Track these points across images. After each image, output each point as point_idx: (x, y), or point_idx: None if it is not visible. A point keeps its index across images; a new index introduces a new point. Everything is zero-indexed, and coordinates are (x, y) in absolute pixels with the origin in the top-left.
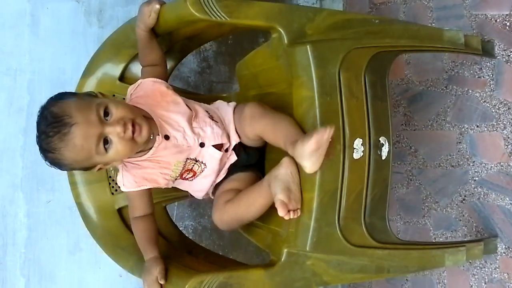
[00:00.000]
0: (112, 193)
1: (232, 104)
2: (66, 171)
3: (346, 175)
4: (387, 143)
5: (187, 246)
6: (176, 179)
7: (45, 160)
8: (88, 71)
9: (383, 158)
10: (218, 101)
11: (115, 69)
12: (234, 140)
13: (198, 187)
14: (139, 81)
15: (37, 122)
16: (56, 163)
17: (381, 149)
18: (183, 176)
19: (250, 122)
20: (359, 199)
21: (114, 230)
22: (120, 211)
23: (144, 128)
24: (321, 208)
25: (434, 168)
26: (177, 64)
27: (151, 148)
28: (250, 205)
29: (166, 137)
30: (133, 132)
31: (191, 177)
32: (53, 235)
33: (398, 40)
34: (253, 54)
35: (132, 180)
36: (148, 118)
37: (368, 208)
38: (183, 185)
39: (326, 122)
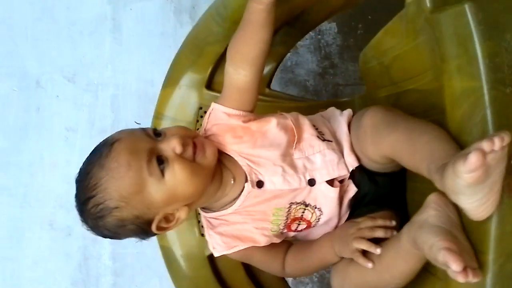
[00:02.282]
0: (202, 234)
1: (347, 112)
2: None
3: None
4: None
5: None
6: (281, 233)
7: (84, 217)
8: (169, 81)
9: None
10: (330, 108)
11: (200, 74)
12: (350, 164)
13: (320, 234)
14: (211, 107)
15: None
16: (98, 214)
17: None
18: (292, 228)
19: (372, 137)
20: None
21: (203, 285)
22: (211, 258)
23: (209, 147)
24: (501, 280)
25: None
26: (279, 64)
27: (236, 198)
28: (384, 271)
29: (259, 184)
30: (194, 153)
31: (305, 228)
32: (143, 281)
33: None
34: (381, 36)
35: (220, 241)
36: (229, 161)
37: None
38: (298, 236)
39: (506, 129)
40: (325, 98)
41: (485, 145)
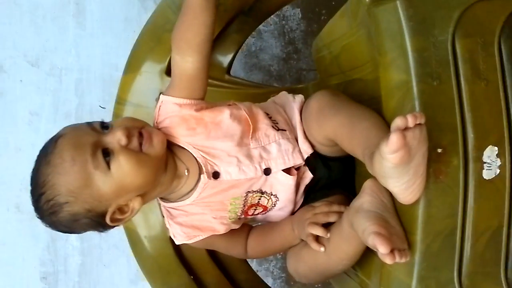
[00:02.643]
0: (163, 216)
1: (299, 98)
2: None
3: (471, 205)
4: None
5: None
6: (239, 219)
7: (39, 214)
8: (130, 67)
9: None
10: (282, 92)
11: (160, 61)
12: (305, 151)
13: (274, 219)
14: (160, 99)
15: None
16: (50, 210)
17: None
18: (249, 213)
19: (317, 118)
20: (495, 242)
21: (166, 264)
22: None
23: (156, 136)
24: (428, 259)
25: None
26: (237, 51)
27: (192, 189)
28: (332, 253)
29: (215, 175)
30: (140, 144)
31: (262, 212)
32: (111, 261)
33: None
34: (329, 26)
35: (180, 231)
36: (182, 152)
37: (511, 256)
38: (256, 219)
39: (432, 120)
40: (288, 83)
41: (399, 121)
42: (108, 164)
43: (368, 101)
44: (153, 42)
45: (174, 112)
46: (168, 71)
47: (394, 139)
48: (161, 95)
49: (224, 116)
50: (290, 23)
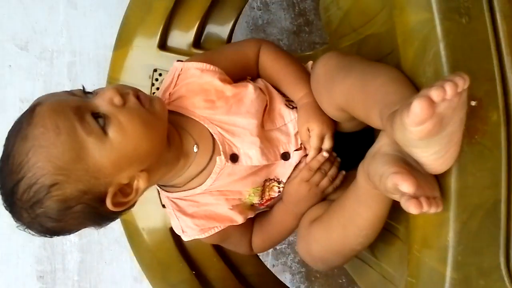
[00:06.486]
0: (163, 206)
1: (309, 64)
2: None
3: None
4: None
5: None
6: (254, 206)
7: (16, 211)
8: (120, 42)
9: None
10: None
11: (152, 33)
12: None
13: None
14: (178, 66)
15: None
16: (33, 199)
17: None
18: (268, 200)
19: (326, 85)
20: None
21: (165, 259)
22: (173, 231)
23: (154, 98)
24: (465, 241)
25: None
26: (237, 19)
27: (202, 170)
28: (348, 222)
29: (234, 158)
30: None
31: (276, 197)
32: (112, 258)
33: None
34: None
35: (192, 224)
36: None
37: None
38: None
39: (462, 67)
40: None
41: (434, 93)
42: (103, 129)
43: (385, 58)
44: (143, 12)
45: (193, 78)
46: (161, 45)
47: (417, 110)
48: (183, 62)
49: (248, 91)
50: None
